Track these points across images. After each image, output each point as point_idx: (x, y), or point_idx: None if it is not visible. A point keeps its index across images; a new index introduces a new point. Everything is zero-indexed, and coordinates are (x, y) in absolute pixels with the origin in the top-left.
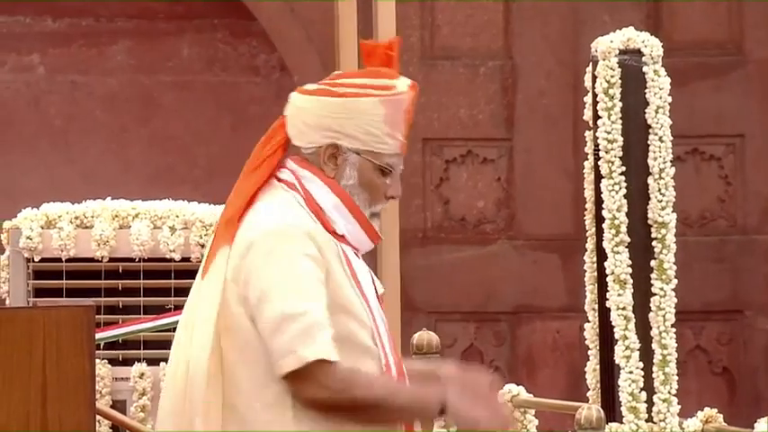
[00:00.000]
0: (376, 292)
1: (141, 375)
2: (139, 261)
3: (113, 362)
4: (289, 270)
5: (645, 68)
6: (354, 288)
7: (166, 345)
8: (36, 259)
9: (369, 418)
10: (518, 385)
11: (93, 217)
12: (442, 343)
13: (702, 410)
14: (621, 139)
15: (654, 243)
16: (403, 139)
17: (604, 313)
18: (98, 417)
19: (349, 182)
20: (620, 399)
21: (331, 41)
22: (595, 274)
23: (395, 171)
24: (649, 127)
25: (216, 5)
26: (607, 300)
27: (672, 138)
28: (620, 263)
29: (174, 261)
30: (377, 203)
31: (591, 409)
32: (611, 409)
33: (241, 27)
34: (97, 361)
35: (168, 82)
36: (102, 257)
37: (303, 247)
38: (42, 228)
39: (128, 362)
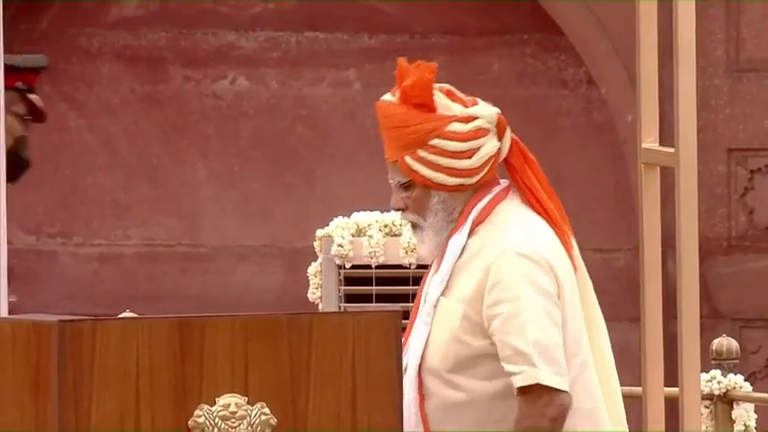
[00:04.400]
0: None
1: None
2: None
3: None
4: None
5: None
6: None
7: None
8: (347, 266)
9: None
10: None
11: (401, 225)
12: (747, 349)
13: None
14: None
15: None
16: (385, 152)
17: None
18: None
19: None
20: None
21: None
22: None
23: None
24: None
25: (526, 21)
26: None
27: None
28: None
29: None
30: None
31: None
32: None
33: (550, 42)
34: None
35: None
36: (410, 264)
37: None
38: (353, 236)
39: None
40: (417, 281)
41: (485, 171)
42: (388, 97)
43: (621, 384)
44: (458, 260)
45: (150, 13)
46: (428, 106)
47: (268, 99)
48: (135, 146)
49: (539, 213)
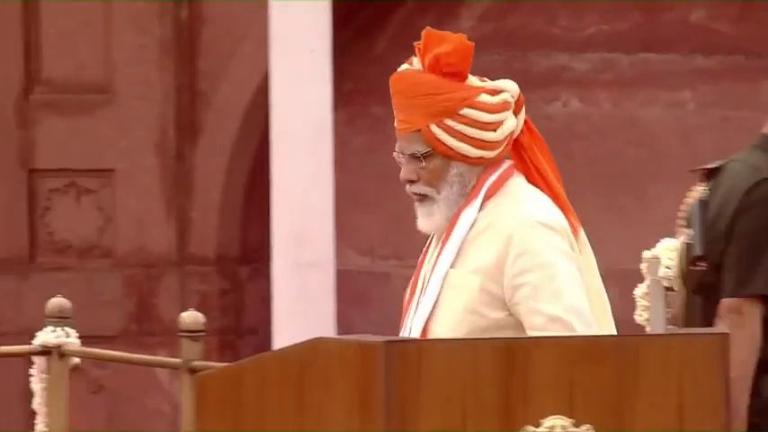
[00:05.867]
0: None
1: None
2: None
3: None
4: None
5: None
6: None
7: None
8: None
9: None
10: None
11: None
12: None
13: None
14: None
15: None
16: (396, 123)
17: None
18: None
19: None
20: None
21: None
22: None
23: (402, 154)
24: None
25: None
26: None
27: None
28: None
29: None
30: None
31: None
32: None
33: None
34: None
35: None
36: None
37: None
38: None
39: None
40: None
41: (503, 145)
42: (406, 67)
43: None
44: (468, 234)
45: (484, 35)
46: (461, 75)
47: (600, 121)
48: None
49: (544, 192)
